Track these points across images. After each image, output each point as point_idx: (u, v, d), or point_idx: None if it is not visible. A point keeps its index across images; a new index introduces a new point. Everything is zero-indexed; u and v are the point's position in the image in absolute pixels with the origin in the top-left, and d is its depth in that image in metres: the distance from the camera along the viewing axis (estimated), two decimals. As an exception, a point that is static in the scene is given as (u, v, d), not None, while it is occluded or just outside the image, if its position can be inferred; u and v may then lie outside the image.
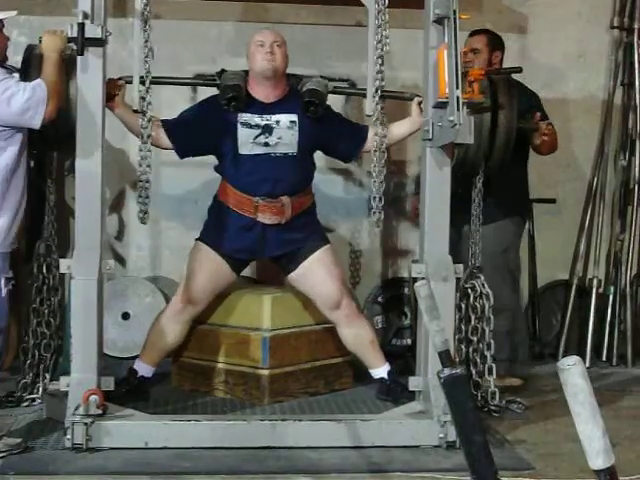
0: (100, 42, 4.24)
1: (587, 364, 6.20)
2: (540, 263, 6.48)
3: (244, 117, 4.79)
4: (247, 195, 4.81)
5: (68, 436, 4.13)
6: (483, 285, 4.97)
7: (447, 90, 4.09)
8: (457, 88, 4.01)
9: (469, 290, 4.99)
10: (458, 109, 3.99)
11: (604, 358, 6.41)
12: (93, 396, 4.15)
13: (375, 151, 4.60)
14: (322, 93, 4.88)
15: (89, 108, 4.32)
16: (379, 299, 6.30)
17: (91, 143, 4.34)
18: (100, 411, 4.17)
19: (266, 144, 4.79)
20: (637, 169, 6.50)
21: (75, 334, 4.31)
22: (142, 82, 4.36)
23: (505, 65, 5.49)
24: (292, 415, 4.63)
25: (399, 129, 4.84)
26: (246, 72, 4.90)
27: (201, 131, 4.83)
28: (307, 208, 4.96)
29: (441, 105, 4.19)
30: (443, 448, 4.26)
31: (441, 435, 4.27)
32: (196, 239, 4.97)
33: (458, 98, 4.00)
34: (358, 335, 4.93)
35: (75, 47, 4.21)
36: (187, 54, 6.20)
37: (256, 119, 4.79)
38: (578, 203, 6.62)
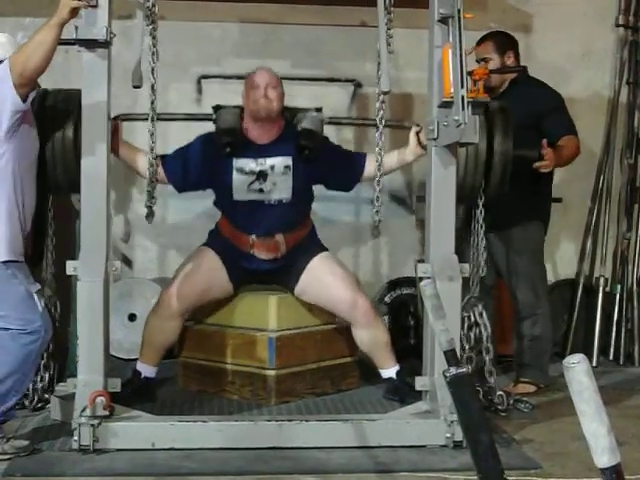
0: (105, 44, 4.24)
1: (594, 363, 6.21)
2: (546, 262, 6.44)
3: (239, 163, 4.83)
4: (243, 233, 4.90)
5: (75, 438, 4.13)
6: (481, 315, 4.96)
7: (452, 89, 4.08)
8: (462, 87, 4.00)
9: (465, 319, 4.90)
10: (463, 108, 3.98)
11: (611, 357, 6.40)
12: (100, 397, 4.16)
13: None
14: (317, 133, 4.90)
15: (94, 110, 4.33)
16: (385, 299, 6.29)
17: (96, 145, 4.34)
18: (107, 412, 4.18)
19: (260, 190, 4.84)
20: (643, 168, 6.50)
21: (81, 335, 4.32)
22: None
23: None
24: (299, 415, 4.63)
25: (398, 158, 4.88)
26: (241, 109, 4.92)
27: (196, 170, 4.90)
28: (304, 237, 5.02)
29: (446, 104, 4.18)
30: (450, 448, 4.26)
31: (448, 435, 4.27)
32: (201, 245, 5.01)
33: (463, 97, 3.99)
34: (374, 336, 4.92)
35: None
36: (191, 55, 6.21)
37: (251, 164, 4.83)
38: (584, 202, 6.61)
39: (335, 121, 5.24)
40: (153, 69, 4.54)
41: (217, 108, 4.97)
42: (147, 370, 4.92)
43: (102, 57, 4.28)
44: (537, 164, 5.06)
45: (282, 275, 5.00)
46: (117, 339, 5.83)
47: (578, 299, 6.48)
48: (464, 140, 4.19)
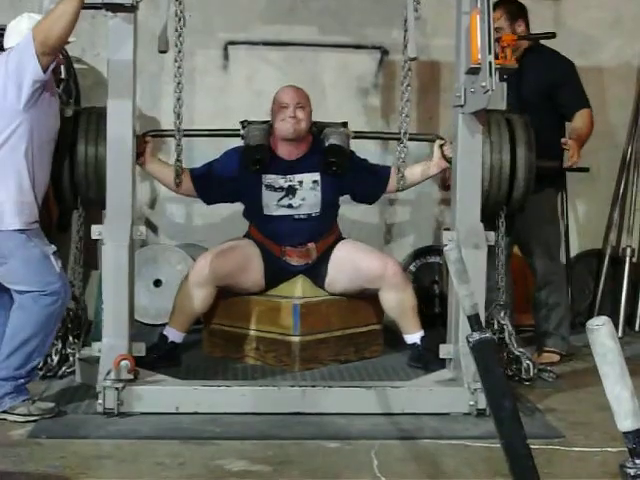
0: (131, 8, 4.23)
1: (620, 333, 6.18)
2: (573, 232, 6.43)
3: (268, 179, 4.91)
4: (274, 243, 4.98)
5: (99, 401, 4.16)
6: (504, 317, 4.97)
7: (480, 56, 4.05)
8: (490, 53, 3.97)
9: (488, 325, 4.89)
10: (491, 74, 3.96)
11: (637, 328, 6.38)
12: (124, 361, 4.18)
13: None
14: (344, 149, 4.95)
15: (120, 74, 4.32)
16: (411, 267, 6.28)
17: (122, 109, 4.35)
18: (131, 376, 4.21)
19: (290, 206, 4.93)
20: (673, 137, 6.43)
21: (106, 299, 4.35)
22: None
23: (537, 31, 5.40)
24: (322, 381, 4.64)
25: (422, 170, 4.93)
26: (270, 125, 4.96)
27: (224, 184, 4.98)
28: (333, 242, 5.07)
29: (474, 71, 4.15)
30: (473, 415, 4.26)
31: (471, 402, 4.27)
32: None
33: (491, 63, 3.97)
34: (401, 299, 4.93)
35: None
36: (218, 21, 6.18)
37: (280, 181, 4.91)
38: (612, 172, 6.55)
39: (360, 135, 5.26)
40: (180, 35, 4.52)
41: (245, 124, 5.00)
42: (175, 335, 4.94)
43: (128, 21, 4.28)
44: (567, 164, 5.13)
45: (311, 274, 5.06)
46: (142, 305, 5.85)
47: (604, 269, 6.44)
48: (491, 107, 4.17)
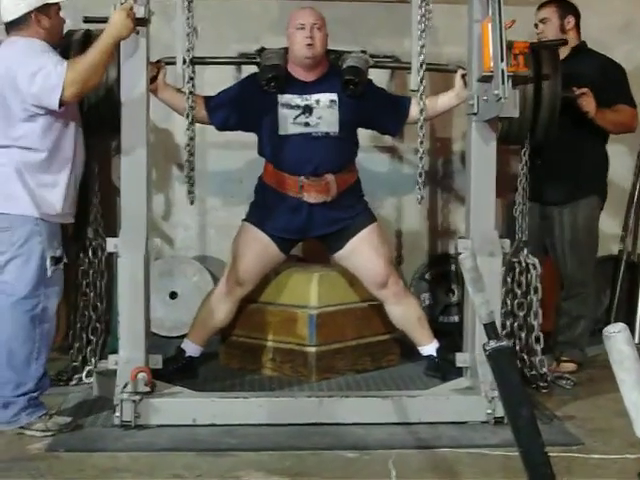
0: (144, 22, 4.25)
1: (636, 340, 6.16)
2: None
3: (284, 98, 4.78)
4: (291, 175, 4.81)
5: (117, 413, 4.17)
6: (528, 256, 5.00)
7: (492, 63, 4.05)
8: (502, 61, 3.96)
9: (515, 264, 5.00)
10: (503, 82, 3.95)
11: (654, 334, 6.35)
12: (141, 374, 4.19)
13: (420, 126, 4.57)
14: (362, 70, 4.84)
15: (133, 88, 4.33)
16: (426, 276, 6.28)
17: (136, 123, 4.35)
18: (148, 389, 4.21)
19: (306, 124, 4.78)
20: (687, 141, 6.40)
21: (122, 312, 4.35)
22: (185, 62, 4.38)
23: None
24: (339, 392, 4.64)
25: (442, 101, 4.82)
26: (286, 49, 4.88)
27: (240, 108, 4.83)
28: (352, 185, 4.94)
29: (486, 79, 4.15)
30: (491, 424, 4.25)
31: (489, 411, 4.26)
32: (243, 220, 4.98)
33: (503, 71, 3.96)
34: (405, 312, 4.92)
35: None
36: (231, 33, 6.19)
37: (296, 100, 4.78)
38: (627, 177, 6.53)
39: (381, 65, 5.21)
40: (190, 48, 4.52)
41: (261, 50, 4.96)
42: (193, 349, 4.95)
43: (141, 34, 4.28)
44: (579, 98, 5.03)
45: (329, 238, 4.95)
46: (159, 317, 5.86)
47: (621, 275, 6.41)
48: (504, 114, 4.17)
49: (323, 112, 4.78)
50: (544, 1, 5.45)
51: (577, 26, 5.41)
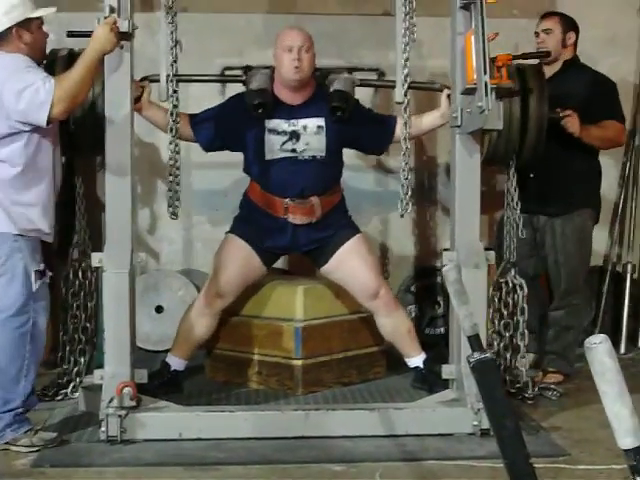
0: (127, 36, 4.24)
1: (622, 350, 6.19)
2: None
3: (271, 123, 4.78)
4: (276, 197, 4.82)
5: (102, 428, 4.16)
6: (515, 277, 5.01)
7: (475, 76, 4.06)
8: (485, 73, 3.97)
9: (502, 285, 5.03)
10: (487, 95, 3.96)
11: (639, 344, 6.36)
12: (127, 388, 4.18)
13: (404, 139, 4.61)
14: (349, 94, 4.85)
15: (118, 102, 4.33)
16: (412, 288, 6.28)
17: (120, 137, 4.35)
18: (134, 403, 4.21)
19: (293, 150, 4.79)
20: (670, 153, 6.44)
21: (108, 327, 4.34)
22: (169, 77, 4.39)
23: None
24: (325, 405, 4.64)
25: (427, 120, 4.83)
26: (272, 69, 4.85)
27: (226, 129, 4.84)
28: (336, 205, 4.96)
29: (469, 91, 4.17)
30: (477, 436, 4.26)
31: (475, 423, 4.26)
32: (227, 232, 4.98)
33: (486, 84, 3.97)
34: (396, 324, 4.92)
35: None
36: (215, 47, 6.20)
37: (283, 125, 4.78)
38: (612, 188, 6.55)
39: (366, 83, 5.19)
40: (174, 61, 4.54)
41: (247, 69, 4.95)
42: (177, 363, 4.94)
43: (125, 49, 4.28)
44: (563, 120, 5.03)
45: (313, 252, 4.96)
46: (144, 331, 5.84)
47: (606, 286, 6.43)
48: (488, 126, 4.18)
49: (310, 138, 4.79)
50: (547, 12, 5.50)
51: (575, 44, 5.43)
